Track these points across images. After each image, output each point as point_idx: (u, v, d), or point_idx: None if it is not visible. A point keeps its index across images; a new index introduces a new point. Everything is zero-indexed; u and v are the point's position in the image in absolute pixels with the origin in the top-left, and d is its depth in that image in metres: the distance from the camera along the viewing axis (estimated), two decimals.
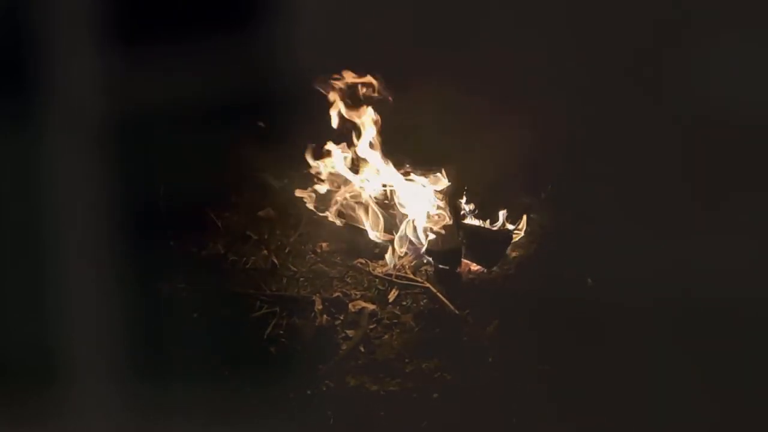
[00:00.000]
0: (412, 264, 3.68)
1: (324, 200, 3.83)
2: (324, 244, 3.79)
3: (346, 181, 3.81)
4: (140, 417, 3.07)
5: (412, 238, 3.68)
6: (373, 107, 3.88)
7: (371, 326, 3.42)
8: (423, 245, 3.65)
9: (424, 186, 3.77)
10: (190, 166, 4.19)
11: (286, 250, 3.78)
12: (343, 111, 3.82)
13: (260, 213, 3.98)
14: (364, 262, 3.71)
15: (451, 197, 3.71)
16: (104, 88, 4.01)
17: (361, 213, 3.76)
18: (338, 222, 3.75)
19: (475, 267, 3.62)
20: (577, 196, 3.94)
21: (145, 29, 4.20)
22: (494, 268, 3.60)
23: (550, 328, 3.34)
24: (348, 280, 3.65)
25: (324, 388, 3.17)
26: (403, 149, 3.87)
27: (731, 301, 3.36)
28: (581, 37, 4.37)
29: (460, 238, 3.61)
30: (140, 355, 3.28)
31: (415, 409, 3.10)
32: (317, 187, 3.84)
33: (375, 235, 3.72)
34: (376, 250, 3.73)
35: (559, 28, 4.45)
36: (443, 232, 3.62)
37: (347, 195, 3.77)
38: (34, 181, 3.79)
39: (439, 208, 3.67)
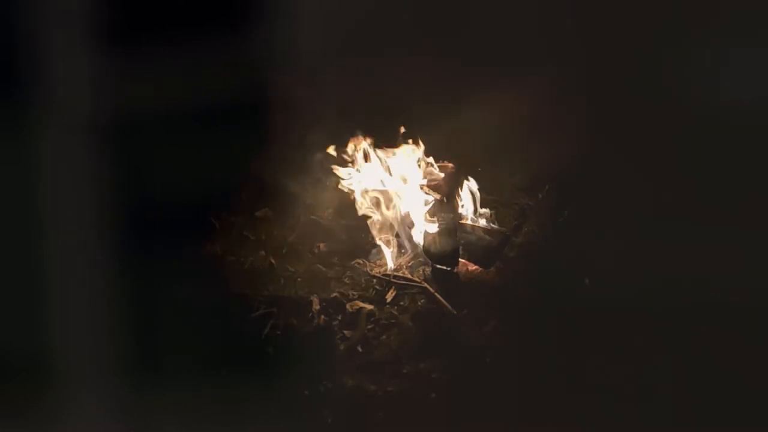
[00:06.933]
0: (410, 264, 3.68)
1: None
2: (321, 245, 3.79)
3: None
4: (137, 418, 3.07)
5: (413, 238, 3.69)
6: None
7: (369, 326, 3.41)
8: (420, 245, 3.66)
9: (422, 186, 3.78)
10: (188, 167, 4.20)
11: (284, 251, 3.78)
12: None
13: (258, 213, 3.98)
14: (361, 262, 3.71)
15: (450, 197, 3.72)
16: (101, 88, 4.00)
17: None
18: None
19: (472, 267, 3.62)
20: (575, 196, 3.94)
21: (140, 30, 4.20)
22: (491, 268, 3.60)
23: (547, 328, 3.34)
24: (346, 280, 3.64)
25: (322, 389, 3.17)
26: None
27: (731, 302, 3.36)
28: (583, 38, 4.38)
29: (457, 238, 3.61)
30: (137, 357, 3.28)
31: (413, 410, 3.10)
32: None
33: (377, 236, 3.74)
34: (374, 251, 3.74)
35: (559, 29, 4.45)
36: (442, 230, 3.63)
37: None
38: (30, 182, 3.79)
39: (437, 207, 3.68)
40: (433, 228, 3.62)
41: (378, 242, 3.74)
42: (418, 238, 3.68)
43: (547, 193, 4.00)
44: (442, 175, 3.73)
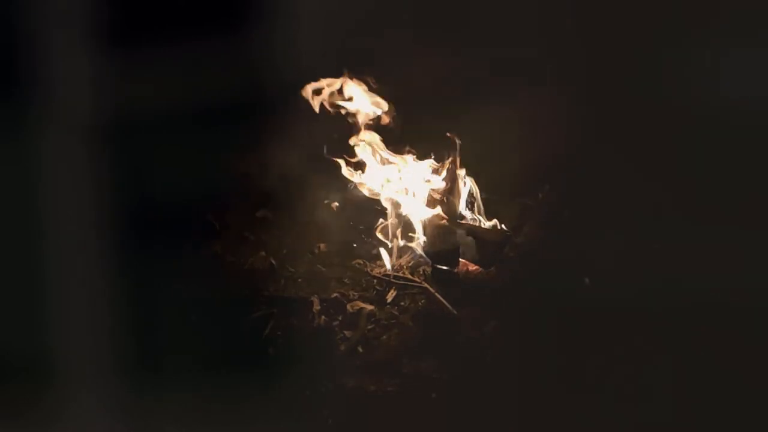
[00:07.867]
0: (410, 264, 3.68)
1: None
2: (321, 245, 3.79)
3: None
4: (137, 418, 3.07)
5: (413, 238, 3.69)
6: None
7: (369, 327, 3.42)
8: (420, 245, 3.66)
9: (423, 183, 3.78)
10: (188, 167, 4.20)
11: (284, 251, 3.78)
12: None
13: (257, 213, 3.98)
14: (362, 262, 3.71)
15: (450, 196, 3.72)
16: (101, 88, 4.00)
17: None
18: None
19: (472, 267, 3.62)
20: (575, 196, 3.94)
21: (140, 30, 4.19)
22: (491, 268, 3.60)
23: (547, 328, 3.34)
24: (346, 280, 3.65)
25: (322, 389, 3.17)
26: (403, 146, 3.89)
27: (731, 302, 3.36)
28: (583, 38, 4.39)
29: (457, 238, 3.61)
30: (137, 358, 3.28)
31: (413, 410, 3.10)
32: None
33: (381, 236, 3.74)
34: (374, 251, 3.74)
35: (559, 28, 4.45)
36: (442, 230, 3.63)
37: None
38: (30, 182, 3.79)
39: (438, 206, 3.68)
40: (434, 228, 3.62)
41: (379, 242, 3.74)
42: (419, 238, 3.69)
43: (547, 193, 4.01)
44: (443, 175, 3.74)
